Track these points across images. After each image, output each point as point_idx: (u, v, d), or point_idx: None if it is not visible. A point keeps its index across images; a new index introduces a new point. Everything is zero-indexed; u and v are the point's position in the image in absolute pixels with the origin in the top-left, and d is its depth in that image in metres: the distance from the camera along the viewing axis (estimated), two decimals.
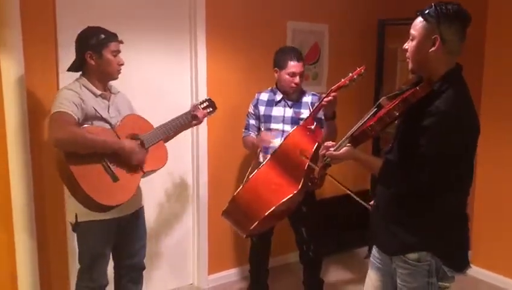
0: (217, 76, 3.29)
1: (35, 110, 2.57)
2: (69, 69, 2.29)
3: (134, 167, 2.23)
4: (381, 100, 1.82)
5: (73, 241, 2.72)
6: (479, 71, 3.48)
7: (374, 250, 1.93)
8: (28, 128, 2.52)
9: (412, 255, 1.70)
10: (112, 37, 2.23)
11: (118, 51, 2.25)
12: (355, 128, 1.77)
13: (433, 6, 1.63)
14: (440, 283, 1.71)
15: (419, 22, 1.67)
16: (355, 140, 1.76)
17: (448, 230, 1.70)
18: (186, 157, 3.31)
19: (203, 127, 3.25)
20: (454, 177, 1.65)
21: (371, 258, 1.95)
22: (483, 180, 3.48)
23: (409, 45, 1.72)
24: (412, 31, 1.70)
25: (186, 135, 3.21)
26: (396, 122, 1.82)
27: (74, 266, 2.75)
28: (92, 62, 2.20)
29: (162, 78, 3.11)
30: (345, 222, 3.98)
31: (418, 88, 1.66)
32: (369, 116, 1.79)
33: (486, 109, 3.37)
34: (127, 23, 2.89)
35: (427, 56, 1.66)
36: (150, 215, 3.17)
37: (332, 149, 1.81)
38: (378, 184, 1.88)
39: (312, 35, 3.75)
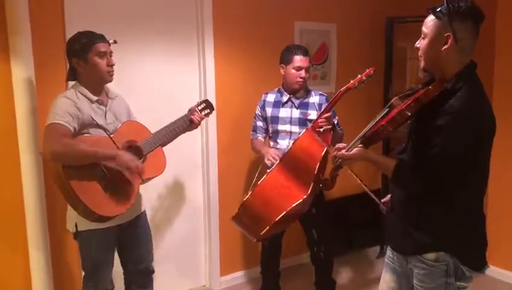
0: (225, 77, 3.29)
1: (45, 116, 2.58)
2: (67, 79, 2.27)
3: (132, 176, 2.18)
4: (393, 100, 1.80)
5: None
6: (490, 68, 3.43)
7: (389, 251, 1.91)
8: (37, 134, 2.53)
9: (430, 256, 1.68)
10: (96, 38, 2.14)
11: (105, 52, 2.16)
12: (366, 128, 1.76)
13: (445, 4, 1.60)
14: (458, 283, 1.68)
15: (430, 19, 1.64)
16: (367, 141, 1.75)
17: (464, 229, 1.67)
18: (196, 160, 3.32)
19: (212, 128, 3.26)
20: (469, 177, 1.63)
21: (386, 259, 1.93)
22: (497, 178, 3.41)
23: (420, 43, 1.69)
24: (424, 29, 1.67)
25: (196, 137, 3.23)
26: (408, 122, 1.80)
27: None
28: (80, 68, 2.16)
29: (170, 81, 3.12)
30: (355, 222, 3.96)
31: (430, 87, 1.64)
32: (381, 116, 1.77)
33: (498, 106, 3.31)
34: (134, 27, 2.91)
35: (440, 54, 1.63)
36: (161, 219, 3.19)
37: (344, 151, 1.80)
38: (392, 185, 1.86)
39: (319, 35, 3.74)
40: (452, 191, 1.64)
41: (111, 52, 2.21)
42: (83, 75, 2.19)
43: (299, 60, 2.80)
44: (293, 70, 2.81)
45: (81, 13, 2.69)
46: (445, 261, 1.66)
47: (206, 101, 2.64)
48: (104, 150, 2.09)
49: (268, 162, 2.69)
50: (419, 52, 1.70)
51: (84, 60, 2.14)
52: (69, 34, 2.58)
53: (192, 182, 3.32)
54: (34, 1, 2.49)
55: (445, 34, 1.60)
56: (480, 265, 1.71)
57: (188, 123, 2.48)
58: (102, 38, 2.17)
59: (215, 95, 3.22)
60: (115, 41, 2.27)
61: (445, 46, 1.61)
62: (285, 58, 2.85)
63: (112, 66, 2.20)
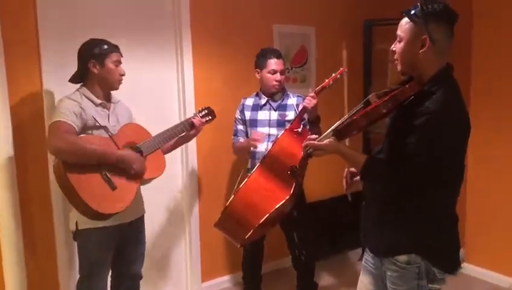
0: (204, 82, 3.27)
1: (19, 122, 2.55)
2: (71, 80, 2.32)
3: (133, 175, 2.23)
4: (369, 97, 1.81)
5: (64, 251, 2.71)
6: (467, 70, 3.48)
7: (366, 254, 1.92)
8: (11, 135, 2.50)
9: (402, 258, 1.68)
10: (114, 48, 2.30)
11: (119, 62, 2.31)
12: (340, 122, 1.76)
13: (419, 6, 1.61)
14: (430, 285, 1.69)
15: (405, 22, 1.65)
16: (339, 133, 1.74)
17: (437, 231, 1.68)
18: (176, 165, 3.28)
19: None
20: (443, 177, 1.64)
21: (363, 262, 1.93)
22: (475, 177, 3.48)
23: (396, 47, 1.70)
24: (399, 32, 1.67)
25: None
26: (387, 122, 1.82)
27: (65, 277, 2.73)
28: (95, 71, 2.24)
29: (148, 87, 3.08)
30: (336, 225, 3.97)
31: (407, 86, 1.65)
32: (355, 111, 1.78)
33: (476, 107, 3.37)
34: (111, 33, 2.83)
35: (417, 57, 1.64)
36: None
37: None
38: (366, 183, 1.87)
39: (299, 38, 3.74)
40: (425, 192, 1.64)
41: (121, 62, 2.34)
42: (96, 78, 2.26)
43: (273, 63, 2.80)
44: (268, 74, 2.82)
45: (55, 19, 2.64)
46: (417, 264, 1.67)
47: (208, 108, 2.71)
48: (111, 150, 2.17)
49: (256, 144, 2.73)
50: (396, 56, 1.71)
51: (100, 65, 2.24)
52: (44, 38, 2.59)
53: (172, 187, 3.28)
54: (7, 20, 2.47)
55: (422, 37, 1.61)
56: (452, 267, 1.72)
57: (188, 128, 2.53)
58: (118, 49, 2.33)
59: (194, 101, 3.20)
60: (121, 55, 2.37)
61: (422, 49, 1.62)
62: (259, 63, 2.86)
63: (122, 75, 2.32)
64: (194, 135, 2.60)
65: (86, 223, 2.20)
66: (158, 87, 3.14)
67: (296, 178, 2.27)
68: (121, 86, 2.85)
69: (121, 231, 2.31)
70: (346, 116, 1.77)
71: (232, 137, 3.01)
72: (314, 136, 1.84)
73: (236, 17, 3.38)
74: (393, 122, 1.77)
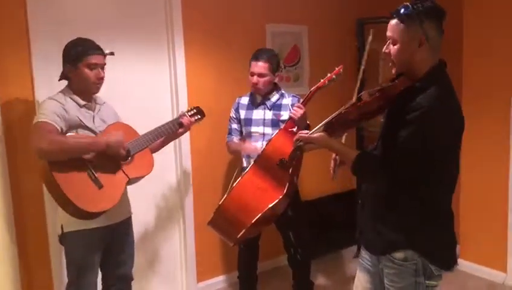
0: (197, 81, 3.25)
1: (9, 123, 2.52)
2: (60, 78, 2.28)
3: (119, 173, 2.21)
4: (362, 94, 1.81)
5: (56, 254, 2.68)
6: (459, 66, 3.50)
7: (362, 251, 1.92)
8: (3, 138, 2.48)
9: (399, 255, 1.69)
10: (91, 49, 2.19)
11: (97, 64, 2.20)
12: (331, 116, 1.76)
13: (410, 6, 1.61)
14: (428, 282, 1.69)
15: (396, 24, 1.64)
16: (330, 126, 1.74)
17: (432, 228, 1.69)
18: (170, 164, 3.27)
19: (185, 134, 3.20)
20: (436, 173, 1.64)
21: (360, 259, 1.94)
22: (469, 174, 3.51)
23: (390, 49, 1.69)
24: (392, 34, 1.66)
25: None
26: (382, 121, 1.82)
27: (58, 279, 2.71)
28: (70, 75, 2.20)
29: (141, 86, 3.06)
30: (332, 223, 3.98)
31: (397, 81, 1.67)
32: (347, 106, 1.78)
33: (469, 104, 3.39)
34: (102, 32, 2.82)
35: (414, 56, 1.64)
36: (135, 225, 3.10)
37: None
38: (361, 182, 1.87)
39: (291, 37, 3.74)
40: (419, 188, 1.64)
41: (104, 64, 2.24)
42: (72, 82, 2.22)
43: (252, 65, 2.81)
44: (250, 77, 2.82)
45: (45, 19, 2.61)
46: (414, 261, 1.67)
47: (197, 108, 2.68)
48: (96, 139, 2.13)
49: (248, 151, 2.72)
50: (391, 58, 1.69)
51: (75, 68, 2.18)
52: (34, 39, 2.56)
53: (166, 187, 3.27)
54: None
55: (418, 37, 1.61)
56: (449, 263, 1.72)
57: (177, 127, 2.50)
58: (97, 49, 2.21)
59: (187, 100, 3.18)
60: (112, 53, 2.29)
61: (418, 48, 1.63)
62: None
63: (100, 79, 2.22)
64: (182, 134, 2.59)
65: (71, 226, 2.17)
66: (150, 86, 3.12)
67: (285, 170, 2.26)
68: (113, 84, 2.83)
69: (107, 233, 2.28)
70: (337, 112, 1.77)
71: (227, 136, 3.00)
72: (305, 131, 1.84)
73: (229, 16, 3.37)
74: (387, 120, 1.78)
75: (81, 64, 2.17)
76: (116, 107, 2.52)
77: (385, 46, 1.71)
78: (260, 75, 2.77)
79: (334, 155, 1.89)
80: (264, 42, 3.52)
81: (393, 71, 1.73)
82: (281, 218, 2.64)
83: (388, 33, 1.68)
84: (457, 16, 3.43)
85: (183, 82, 3.18)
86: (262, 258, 3.28)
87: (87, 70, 2.18)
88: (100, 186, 2.13)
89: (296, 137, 1.81)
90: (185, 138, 3.22)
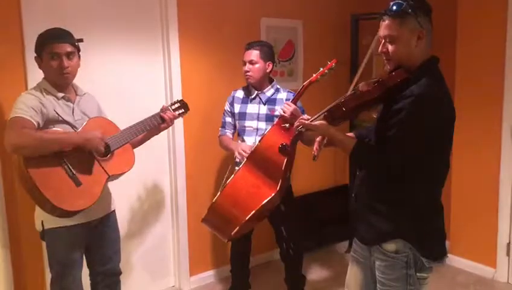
0: (191, 75, 3.24)
1: (1, 121, 2.50)
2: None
3: (99, 170, 2.14)
4: (359, 85, 1.83)
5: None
6: (452, 60, 3.51)
7: (354, 244, 1.94)
8: None
9: (390, 247, 1.71)
10: (53, 37, 2.08)
11: (59, 53, 2.07)
12: (330, 105, 1.78)
13: (403, 2, 1.63)
14: (419, 274, 1.72)
15: (392, 21, 1.65)
16: (330, 114, 1.76)
17: (422, 220, 1.71)
18: (163, 159, 3.27)
19: (179, 128, 3.21)
20: (427, 164, 1.66)
21: (352, 252, 1.96)
22: (460, 170, 3.53)
23: (388, 48, 1.69)
24: (389, 33, 1.66)
25: (162, 136, 3.16)
26: (374, 117, 1.84)
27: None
28: (40, 67, 2.14)
29: (135, 80, 3.05)
30: (324, 218, 3.99)
31: (393, 73, 1.70)
32: (346, 96, 1.81)
33: (461, 99, 3.42)
34: (97, 24, 2.83)
35: (412, 52, 1.67)
36: (128, 219, 3.12)
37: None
38: (354, 173, 1.89)
39: (286, 31, 3.74)
40: (410, 179, 1.67)
41: (70, 52, 2.11)
42: (45, 74, 2.16)
43: (244, 55, 2.82)
44: (243, 66, 2.84)
45: (39, 9, 2.59)
46: (405, 253, 1.70)
47: (181, 101, 2.60)
48: (72, 134, 2.07)
49: (239, 156, 2.67)
50: (390, 56, 1.70)
51: (40, 59, 2.12)
52: (28, 32, 2.52)
53: (160, 181, 3.27)
54: None
55: (417, 31, 1.64)
56: (439, 255, 1.75)
57: (159, 121, 2.41)
58: (61, 37, 2.09)
59: (181, 94, 3.17)
60: (80, 40, 2.18)
61: (417, 43, 1.65)
62: None
63: (63, 68, 2.09)
64: (165, 129, 2.48)
65: (52, 222, 2.11)
66: (145, 80, 3.10)
67: (287, 156, 2.27)
68: (106, 79, 2.82)
69: (88, 230, 2.23)
70: (336, 101, 1.79)
71: (220, 129, 3.00)
72: (306, 116, 1.86)
73: (224, 10, 3.36)
74: (382, 111, 1.80)
75: (44, 53, 2.08)
76: (110, 102, 2.50)
77: (381, 46, 1.72)
78: (251, 62, 2.79)
79: (318, 138, 1.90)
80: (258, 36, 3.51)
81: (389, 67, 1.75)
82: (274, 213, 2.65)
83: (384, 32, 1.69)
84: (451, 16, 3.44)
85: (177, 76, 3.17)
86: (255, 252, 3.29)
87: (50, 60, 2.08)
88: (78, 184, 2.05)
89: (297, 123, 1.83)
90: (179, 133, 3.22)
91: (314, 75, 2.53)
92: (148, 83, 3.13)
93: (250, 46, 2.83)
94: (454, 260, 3.61)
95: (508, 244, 3.35)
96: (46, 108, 2.07)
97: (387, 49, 1.70)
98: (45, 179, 1.96)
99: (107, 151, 2.18)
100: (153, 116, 2.41)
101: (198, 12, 3.24)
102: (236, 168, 2.62)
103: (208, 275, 3.50)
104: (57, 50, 2.07)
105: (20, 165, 1.95)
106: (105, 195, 2.29)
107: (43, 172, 1.97)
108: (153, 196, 3.25)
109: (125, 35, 2.97)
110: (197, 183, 3.35)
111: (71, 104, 2.18)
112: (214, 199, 2.36)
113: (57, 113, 2.09)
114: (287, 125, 2.51)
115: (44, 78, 2.17)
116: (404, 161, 1.63)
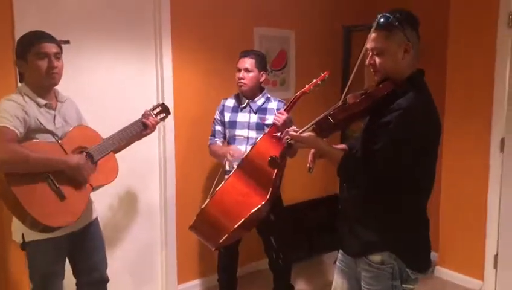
0: (184, 83, 3.24)
1: None
2: (20, 80, 2.16)
3: (82, 183, 2.09)
4: (347, 96, 1.84)
5: None
6: (443, 71, 3.54)
7: (340, 255, 1.94)
8: None
9: (376, 258, 1.72)
10: (38, 38, 2.03)
11: (47, 53, 2.03)
12: (319, 118, 1.79)
13: (390, 16, 1.65)
14: (404, 286, 1.73)
15: (380, 34, 1.67)
16: (318, 126, 1.76)
17: (408, 231, 1.72)
18: (153, 166, 3.25)
19: (170, 134, 3.20)
20: (414, 177, 1.67)
21: (337, 263, 1.96)
22: (448, 181, 3.55)
23: (375, 60, 1.71)
24: (376, 45, 1.68)
25: (153, 142, 3.16)
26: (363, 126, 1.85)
27: None
28: (22, 70, 2.08)
29: (127, 86, 3.04)
30: (313, 228, 3.99)
31: (380, 85, 1.71)
32: (334, 108, 1.81)
33: (450, 111, 3.44)
34: (89, 28, 2.82)
35: (400, 64, 1.68)
36: (116, 227, 3.09)
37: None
38: (342, 184, 1.89)
39: (279, 41, 3.76)
40: (396, 191, 1.68)
41: (57, 53, 2.08)
42: (26, 77, 2.09)
43: (239, 62, 2.83)
44: (236, 73, 2.84)
45: (31, 11, 2.57)
46: (390, 264, 1.70)
47: (162, 105, 2.55)
48: (56, 158, 2.00)
49: (229, 157, 2.65)
50: (377, 68, 1.72)
51: (25, 61, 2.05)
52: (19, 35, 2.48)
53: (149, 189, 3.24)
54: None
55: (404, 43, 1.65)
56: (424, 266, 1.76)
57: (141, 127, 2.37)
58: (47, 38, 2.06)
59: (173, 101, 3.16)
60: (67, 42, 2.16)
61: (404, 56, 1.66)
62: None
63: (53, 68, 2.05)
64: (148, 134, 2.44)
65: (33, 235, 2.03)
66: (137, 87, 3.09)
67: (277, 168, 2.26)
68: (97, 87, 2.79)
69: (72, 240, 2.18)
70: (324, 113, 1.80)
71: (209, 137, 2.99)
72: (295, 128, 1.86)
73: (217, 19, 3.37)
74: (368, 123, 1.82)
75: (31, 54, 2.01)
76: (102, 107, 2.48)
77: (368, 58, 1.74)
78: (246, 70, 2.79)
79: (312, 150, 1.90)
80: (251, 45, 3.52)
81: (376, 78, 1.76)
82: (263, 223, 2.64)
83: (371, 45, 1.71)
84: (442, 27, 3.48)
85: (169, 84, 3.17)
86: (243, 261, 3.27)
87: (37, 61, 2.01)
88: (62, 198, 1.99)
89: (286, 135, 1.83)
90: (169, 141, 3.21)
91: (306, 86, 2.54)
92: (140, 91, 3.12)
93: (246, 54, 2.84)
94: (442, 272, 3.61)
95: (495, 256, 3.36)
96: (29, 116, 2.01)
97: (375, 62, 1.71)
98: (29, 196, 1.90)
99: (91, 162, 2.14)
100: (135, 122, 2.37)
101: (191, 22, 3.24)
102: (226, 176, 2.61)
103: (196, 284, 3.48)
104: (45, 50, 2.03)
105: (1, 179, 1.88)
106: (87, 204, 2.22)
107: (26, 189, 1.90)
108: (142, 204, 3.22)
109: (117, 42, 2.96)
110: (186, 191, 3.33)
111: (52, 112, 2.13)
112: (203, 206, 2.34)
113: (40, 123, 2.04)
114: (279, 134, 2.51)
115: (24, 85, 2.09)
116: (390, 173, 1.64)
